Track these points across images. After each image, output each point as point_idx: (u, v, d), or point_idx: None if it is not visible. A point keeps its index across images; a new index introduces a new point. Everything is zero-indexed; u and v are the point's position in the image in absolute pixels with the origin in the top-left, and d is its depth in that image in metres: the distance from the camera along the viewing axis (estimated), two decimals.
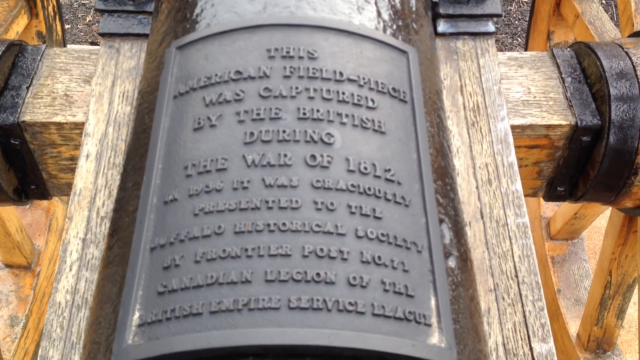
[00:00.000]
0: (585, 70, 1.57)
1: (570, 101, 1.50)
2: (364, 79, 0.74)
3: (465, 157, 1.11)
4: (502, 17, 4.15)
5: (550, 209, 2.48)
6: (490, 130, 1.14)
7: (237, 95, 0.71)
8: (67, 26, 3.89)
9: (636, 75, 1.51)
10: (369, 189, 0.66)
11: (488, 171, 1.10)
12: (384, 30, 0.82)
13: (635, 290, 1.96)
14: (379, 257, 0.62)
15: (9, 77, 1.49)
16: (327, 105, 0.70)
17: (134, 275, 0.63)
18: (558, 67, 1.57)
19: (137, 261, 0.64)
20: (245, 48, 0.75)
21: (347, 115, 0.70)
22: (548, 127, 1.48)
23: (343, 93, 0.71)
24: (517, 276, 1.04)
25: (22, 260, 2.25)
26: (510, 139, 1.14)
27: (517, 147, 1.53)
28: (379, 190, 0.66)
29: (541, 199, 2.53)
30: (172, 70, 0.77)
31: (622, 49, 1.56)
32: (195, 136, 0.70)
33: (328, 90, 0.71)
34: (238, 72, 0.73)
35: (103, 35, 1.20)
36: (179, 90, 0.75)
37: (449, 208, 0.75)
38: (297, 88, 0.71)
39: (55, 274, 1.02)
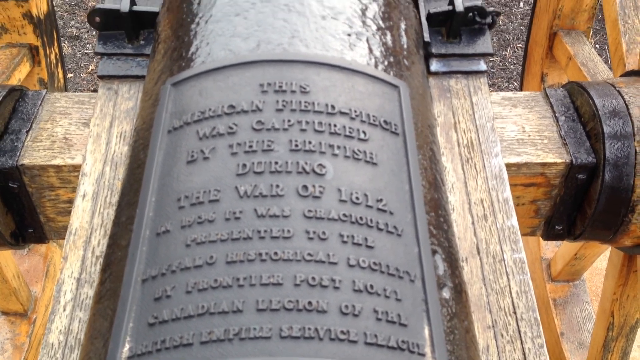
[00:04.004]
0: (579, 109, 1.58)
1: (564, 139, 1.52)
2: (355, 111, 0.75)
3: (461, 193, 1.11)
4: (498, 62, 4.22)
5: (550, 250, 2.47)
6: (484, 166, 1.14)
7: (230, 128, 0.72)
8: (69, 75, 3.95)
9: (629, 114, 1.52)
10: (361, 218, 0.66)
11: (483, 207, 1.11)
12: (376, 66, 0.83)
13: (639, 332, 1.94)
14: (371, 286, 0.62)
15: (9, 121, 1.51)
16: (319, 137, 0.71)
17: (124, 308, 0.63)
18: (551, 107, 1.59)
19: (128, 293, 0.63)
20: (239, 83, 0.76)
21: (338, 147, 0.71)
22: (543, 165, 1.49)
23: (335, 125, 0.72)
24: (515, 312, 1.03)
25: (19, 307, 2.23)
26: (505, 175, 1.15)
27: (513, 185, 1.54)
28: (371, 220, 0.66)
29: (541, 241, 2.52)
30: (167, 106, 0.78)
31: (615, 87, 1.58)
32: (189, 169, 0.71)
33: (320, 123, 0.72)
34: (231, 107, 0.74)
35: (102, 77, 1.22)
36: (173, 125, 0.76)
37: (443, 239, 0.75)
38: (289, 121, 0.72)
39: (49, 315, 1.01)
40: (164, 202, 0.69)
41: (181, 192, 0.69)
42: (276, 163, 0.68)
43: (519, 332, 1.02)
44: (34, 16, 2.18)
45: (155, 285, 0.63)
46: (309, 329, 0.57)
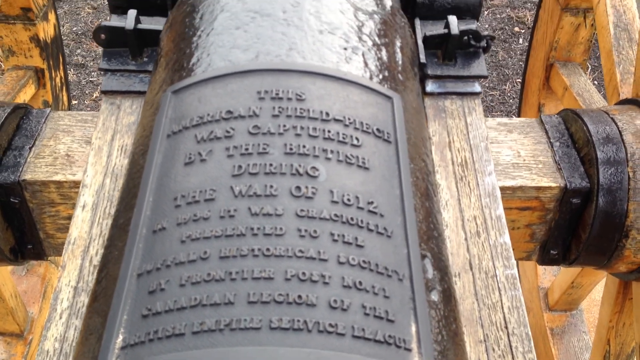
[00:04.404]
0: (573, 136, 1.61)
1: (559, 164, 1.54)
2: (349, 119, 0.77)
3: (454, 209, 1.13)
4: (497, 96, 4.27)
5: (547, 279, 2.47)
6: (478, 184, 1.16)
7: (227, 132, 0.75)
8: (74, 102, 4.00)
9: (622, 140, 1.55)
10: (352, 219, 0.68)
11: (476, 223, 1.12)
12: (370, 78, 0.86)
13: None
14: (360, 283, 0.63)
15: (13, 137, 1.53)
16: (313, 142, 0.73)
17: (119, 301, 0.64)
18: (546, 132, 1.62)
19: (123, 287, 0.65)
20: (237, 90, 0.79)
21: (332, 152, 0.73)
22: (538, 189, 1.50)
23: (329, 131, 0.75)
24: (506, 327, 1.04)
25: (15, 328, 2.22)
26: (498, 193, 1.17)
27: (508, 208, 1.56)
28: (362, 221, 0.68)
29: (539, 270, 2.53)
30: (167, 112, 0.81)
31: (608, 115, 1.61)
32: (186, 170, 0.73)
33: (314, 129, 0.75)
34: (229, 112, 0.77)
35: (105, 92, 1.25)
36: (172, 130, 0.78)
37: (433, 246, 0.77)
38: (284, 126, 0.74)
39: (45, 322, 1.02)
40: (161, 202, 0.71)
41: (178, 192, 0.71)
42: (271, 165, 0.71)
43: (511, 347, 1.02)
44: (41, 40, 2.23)
45: (150, 280, 0.64)
46: (298, 321, 0.59)
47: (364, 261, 0.65)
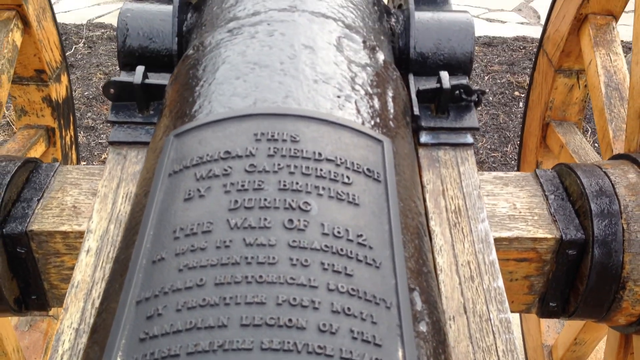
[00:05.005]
0: (568, 189, 1.65)
1: (554, 216, 1.57)
2: (340, 159, 0.82)
3: (448, 255, 1.16)
4: (499, 157, 4.33)
5: (552, 337, 2.46)
6: (471, 230, 1.19)
7: (225, 170, 0.79)
8: (83, 163, 4.08)
9: (615, 193, 1.58)
10: (342, 250, 0.71)
11: (470, 268, 1.15)
12: (362, 124, 0.91)
13: None
14: (349, 309, 0.66)
15: (22, 190, 1.58)
16: (306, 179, 0.78)
17: (118, 328, 0.67)
18: (541, 186, 1.65)
19: (122, 315, 0.68)
20: (235, 133, 0.84)
21: (324, 188, 0.77)
22: (534, 240, 1.53)
23: (321, 170, 0.79)
24: None
25: None
26: (491, 239, 1.20)
27: (506, 260, 1.58)
28: (351, 252, 0.72)
29: (542, 327, 2.51)
30: (169, 154, 0.85)
31: (601, 169, 1.65)
32: (185, 205, 0.77)
33: (307, 167, 0.79)
34: (227, 152, 0.81)
35: (112, 143, 1.31)
36: (174, 169, 0.83)
37: (422, 281, 0.80)
38: (279, 164, 0.79)
39: None
40: (160, 235, 0.75)
41: (177, 225, 0.75)
42: (265, 200, 0.75)
43: None
44: (53, 100, 2.31)
45: (148, 306, 0.67)
46: (288, 342, 0.61)
47: (352, 289, 0.68)
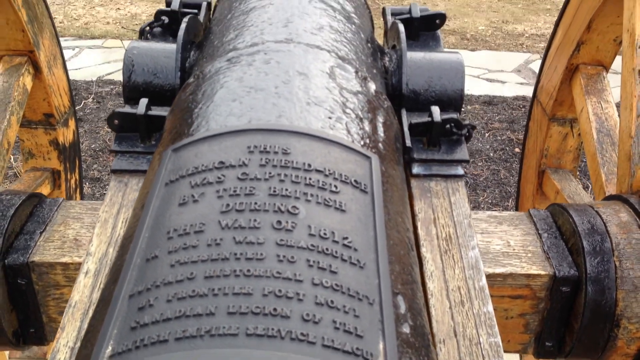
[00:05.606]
0: (561, 228, 1.67)
1: (547, 254, 1.59)
2: (329, 170, 0.86)
3: (439, 280, 1.18)
4: (501, 208, 4.36)
5: None
6: (462, 257, 1.22)
7: (219, 178, 0.83)
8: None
9: (607, 231, 1.61)
10: (327, 249, 0.74)
11: (460, 293, 1.17)
12: (352, 142, 0.96)
13: None
14: (332, 302, 0.69)
15: (26, 223, 1.62)
16: (295, 187, 0.82)
17: (111, 319, 0.69)
18: (535, 225, 1.68)
19: (115, 308, 0.70)
20: (230, 146, 0.88)
21: (312, 195, 0.81)
22: (528, 276, 1.55)
23: (310, 179, 0.83)
24: None
25: None
26: (481, 266, 1.22)
27: (500, 296, 1.59)
28: (336, 252, 0.75)
29: None
30: (167, 166, 0.90)
31: (593, 208, 1.68)
32: (180, 209, 0.81)
33: (297, 176, 0.83)
34: (221, 162, 0.86)
35: (115, 172, 1.35)
36: (170, 179, 0.87)
37: (407, 288, 0.82)
38: (270, 173, 0.83)
39: None
40: (155, 236, 0.78)
41: (171, 227, 0.78)
42: (256, 204, 0.78)
43: None
44: (60, 143, 2.37)
45: (140, 299, 0.70)
46: (273, 329, 0.64)
47: (336, 284, 0.71)
